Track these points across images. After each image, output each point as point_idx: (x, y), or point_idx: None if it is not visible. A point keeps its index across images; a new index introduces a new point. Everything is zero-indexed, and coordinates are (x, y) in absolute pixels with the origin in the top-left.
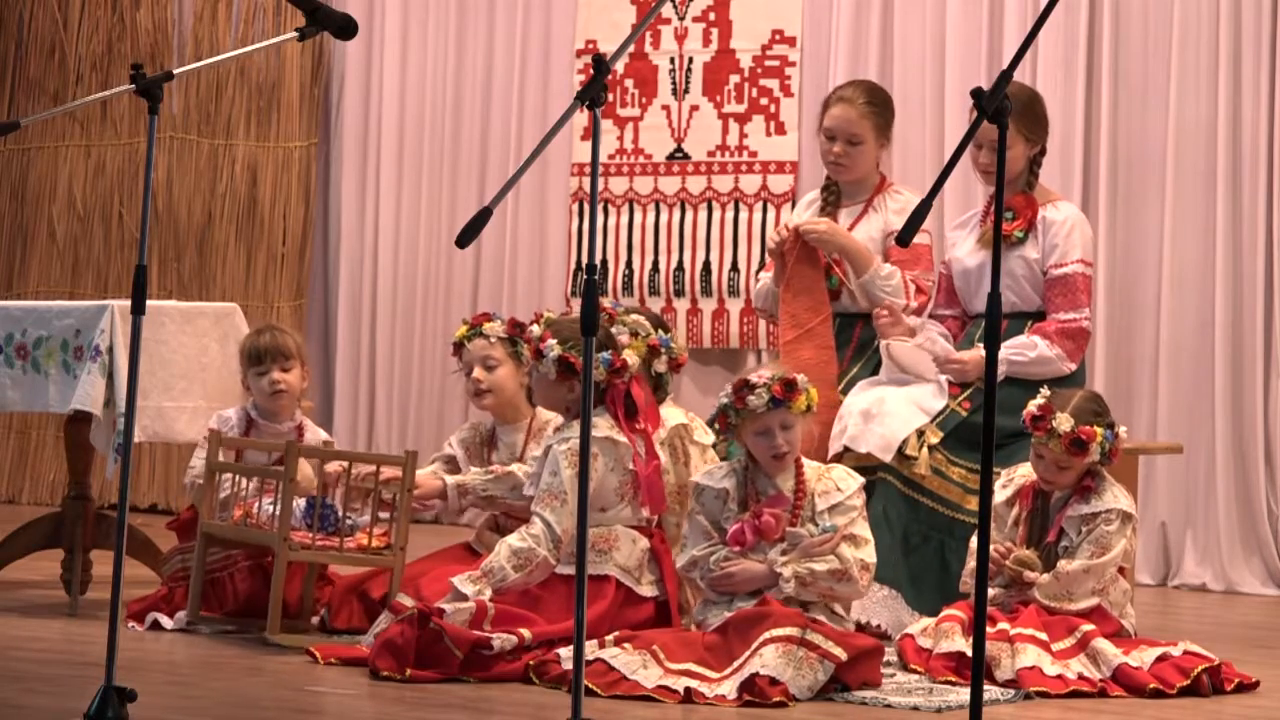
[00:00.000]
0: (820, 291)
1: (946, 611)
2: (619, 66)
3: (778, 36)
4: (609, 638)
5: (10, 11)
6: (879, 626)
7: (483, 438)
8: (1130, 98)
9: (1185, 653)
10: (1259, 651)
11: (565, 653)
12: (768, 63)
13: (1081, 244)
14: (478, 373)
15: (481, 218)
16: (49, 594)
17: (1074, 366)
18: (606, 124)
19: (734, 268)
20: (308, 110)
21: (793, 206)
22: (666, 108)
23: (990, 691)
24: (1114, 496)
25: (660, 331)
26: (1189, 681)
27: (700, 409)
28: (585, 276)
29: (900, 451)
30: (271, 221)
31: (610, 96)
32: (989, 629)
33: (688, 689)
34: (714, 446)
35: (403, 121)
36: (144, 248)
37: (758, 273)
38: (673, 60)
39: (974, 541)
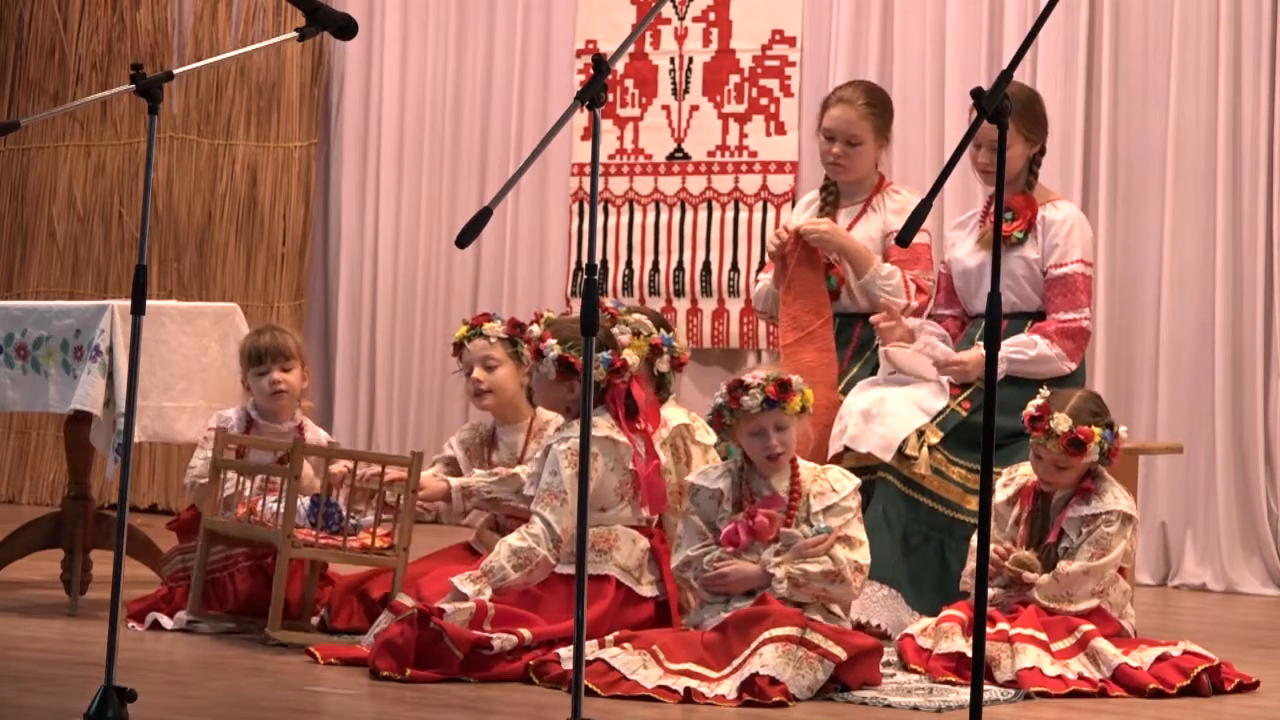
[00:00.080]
0: (821, 294)
1: (946, 612)
2: (619, 66)
3: (778, 36)
4: (609, 638)
5: (10, 11)
6: (879, 626)
7: (483, 438)
8: (1130, 98)
9: (1185, 653)
10: (1259, 651)
11: (565, 653)
12: (768, 63)
13: (1081, 244)
14: (478, 373)
15: (481, 218)
16: (49, 594)
17: (1074, 366)
18: (606, 124)
19: (734, 268)
20: (308, 110)
21: (792, 206)
22: (666, 108)
23: (990, 691)
24: (1114, 498)
25: (662, 331)
26: (1189, 681)
27: (700, 409)
28: (585, 276)
29: (900, 451)
30: (271, 221)
31: (610, 96)
32: (988, 629)
33: (688, 689)
34: (715, 447)
35: (403, 121)
36: (144, 248)
37: (757, 274)
38: (673, 60)
39: (974, 541)
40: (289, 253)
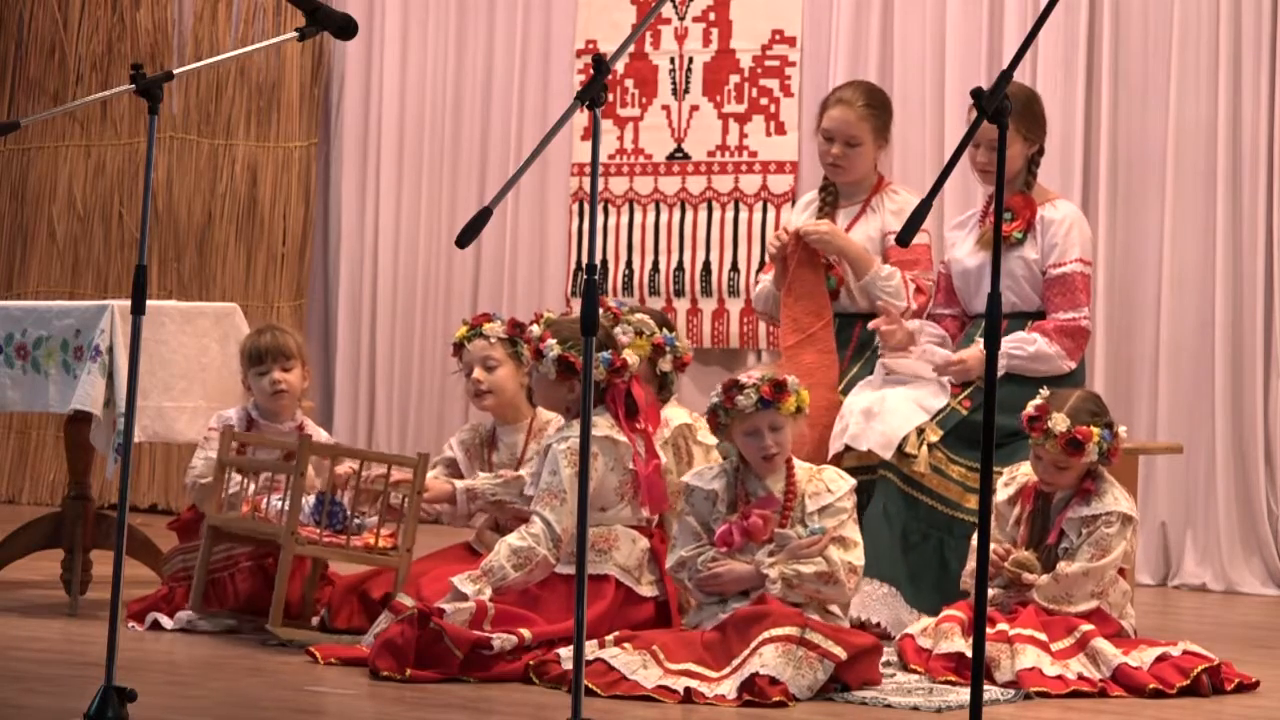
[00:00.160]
0: (822, 295)
1: (946, 612)
2: (619, 66)
3: (778, 36)
4: (609, 638)
5: (10, 11)
6: (878, 624)
7: (483, 438)
8: (1130, 98)
9: (1185, 653)
10: (1259, 651)
11: (565, 653)
12: (768, 63)
13: (1080, 243)
14: (478, 373)
15: (481, 218)
16: (49, 594)
17: (1073, 365)
18: (606, 124)
19: (734, 268)
20: (308, 110)
21: (792, 206)
22: (666, 108)
23: (990, 691)
24: (1114, 499)
25: (665, 330)
26: (1189, 681)
27: (700, 409)
28: (585, 276)
29: (900, 449)
30: (271, 221)
31: (610, 96)
32: (988, 630)
33: (687, 689)
34: (718, 447)
35: (403, 121)
36: (144, 248)
37: (757, 274)
38: (673, 60)
39: (974, 541)
40: (289, 253)
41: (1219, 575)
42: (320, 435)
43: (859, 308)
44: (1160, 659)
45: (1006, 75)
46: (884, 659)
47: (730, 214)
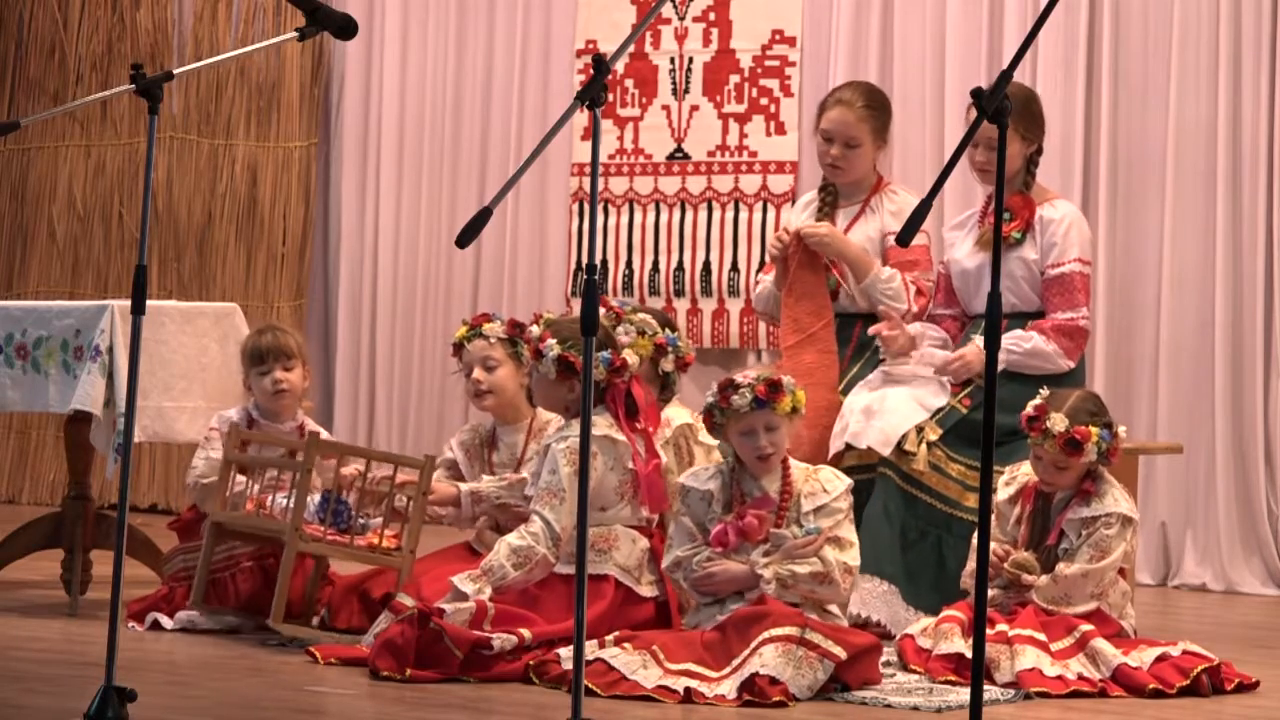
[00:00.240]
0: (822, 296)
1: (946, 612)
2: (619, 66)
3: (778, 36)
4: (609, 638)
5: (10, 11)
6: (878, 622)
7: (483, 439)
8: (1130, 98)
9: (1185, 653)
10: (1259, 651)
11: (565, 653)
12: (768, 63)
13: (1079, 243)
14: (478, 373)
15: (481, 218)
16: (49, 594)
17: (1072, 364)
18: (606, 124)
19: (734, 268)
20: (308, 110)
21: (792, 206)
22: (666, 108)
23: (990, 691)
24: (1114, 500)
25: (668, 330)
26: (1189, 681)
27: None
28: (585, 276)
29: (899, 447)
30: (271, 221)
31: (610, 96)
32: (987, 631)
33: (687, 689)
34: (719, 447)
35: (403, 121)
36: (144, 248)
37: (758, 274)
38: (673, 60)
39: (974, 540)
40: (289, 253)
41: (1219, 575)
42: (322, 435)
43: (859, 308)
44: (1160, 659)
45: (1006, 75)
46: (884, 659)
47: (730, 214)
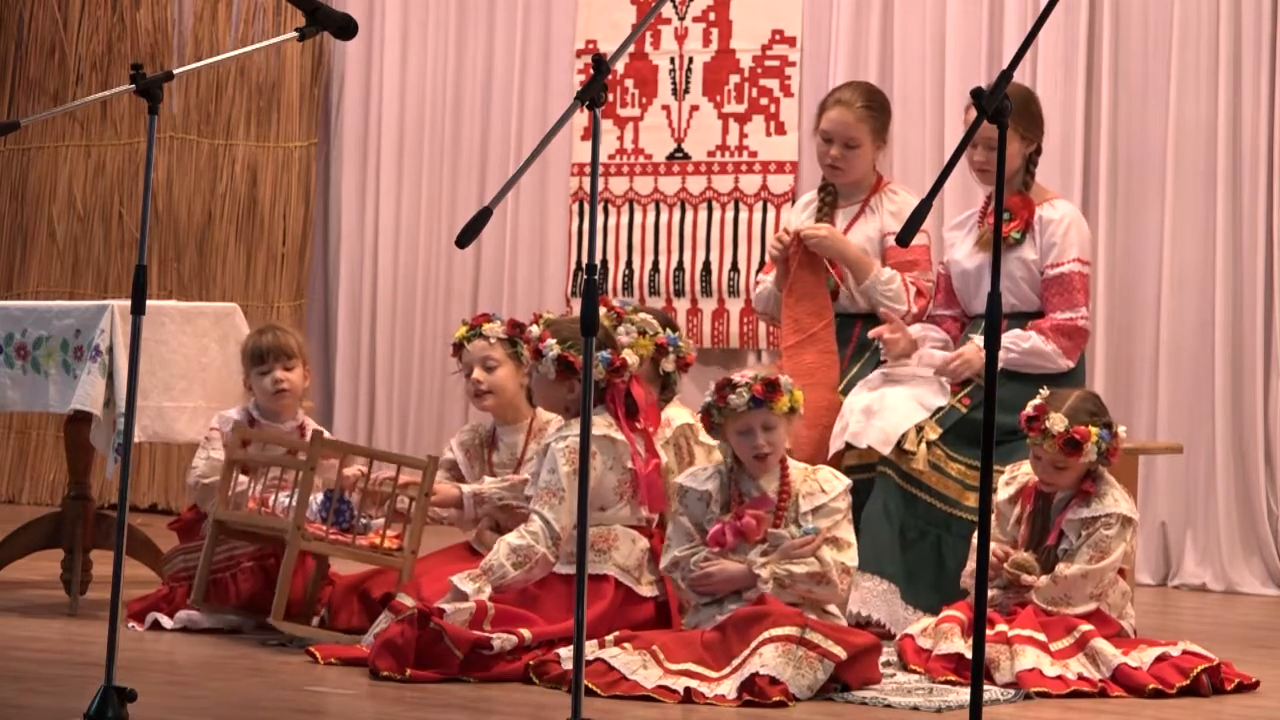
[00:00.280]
0: (823, 296)
1: (946, 613)
2: (619, 66)
3: (778, 36)
4: (609, 638)
5: (10, 11)
6: (878, 621)
7: (483, 439)
8: (1130, 98)
9: (1185, 653)
10: (1259, 651)
11: (565, 653)
12: (768, 63)
13: (1078, 242)
14: (478, 374)
15: (481, 218)
16: (49, 594)
17: (1071, 364)
18: (606, 124)
19: (734, 268)
20: (308, 110)
21: (792, 206)
22: (666, 108)
23: (990, 691)
24: (1114, 500)
25: (669, 331)
26: (1188, 681)
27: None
28: (585, 276)
29: (899, 446)
30: (271, 221)
31: (610, 96)
32: (987, 631)
33: (687, 689)
34: (719, 448)
35: (403, 121)
36: (144, 248)
37: (758, 274)
38: (673, 60)
39: (974, 540)
40: (289, 253)
41: (1219, 575)
42: (324, 435)
43: (859, 308)
44: (1160, 659)
45: (1006, 75)
46: (884, 659)
47: (730, 214)
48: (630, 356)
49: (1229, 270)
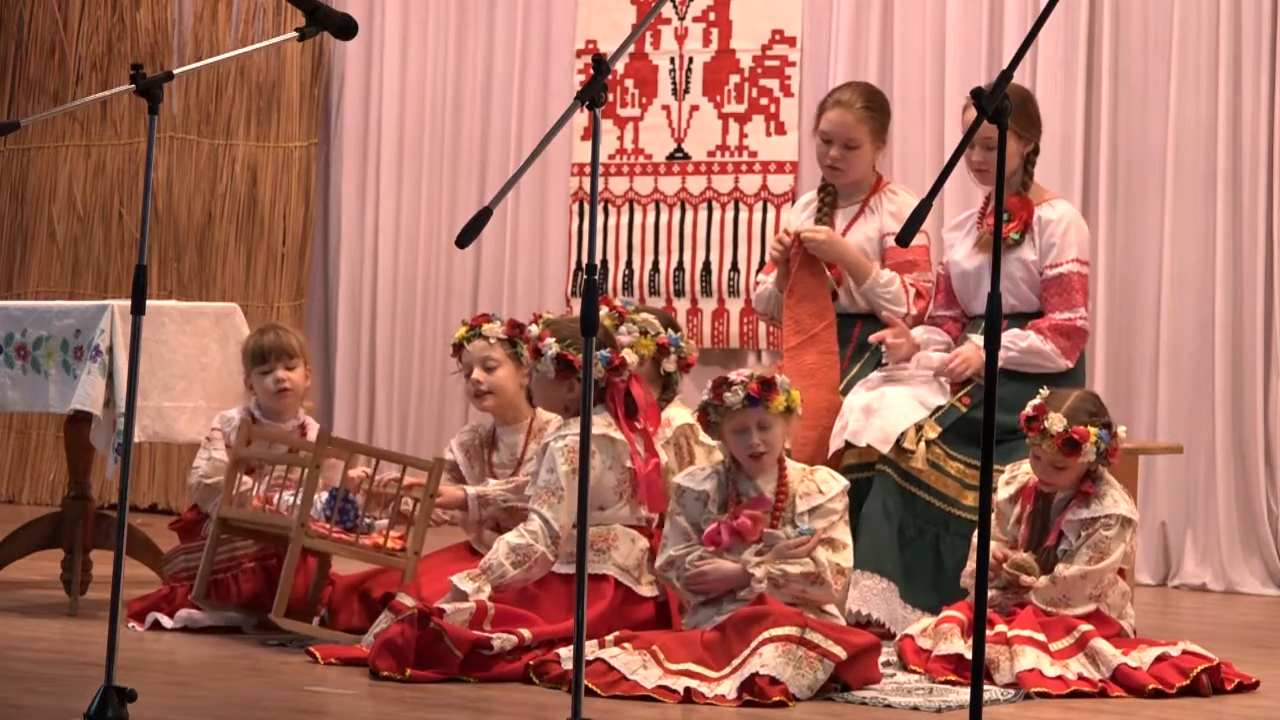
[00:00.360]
0: (824, 297)
1: (946, 613)
2: (619, 66)
3: (778, 36)
4: (609, 638)
5: (10, 11)
6: (877, 619)
7: (483, 439)
8: (1130, 98)
9: (1184, 653)
10: (1259, 651)
11: (565, 653)
12: (768, 63)
13: (1077, 243)
14: (477, 374)
15: (481, 218)
16: (49, 594)
17: (1070, 364)
18: (606, 124)
19: (734, 268)
20: (308, 110)
21: (792, 206)
22: (666, 108)
23: (990, 691)
24: (1114, 501)
25: (670, 330)
26: (1188, 681)
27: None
28: (585, 276)
29: (898, 445)
30: (271, 221)
31: (610, 96)
32: (986, 631)
33: (687, 689)
34: (719, 447)
35: (403, 121)
36: (144, 248)
37: (758, 275)
38: (673, 60)
39: (974, 540)
40: (289, 253)
41: (1219, 575)
42: None
43: (859, 308)
44: (1160, 659)
45: (1006, 75)
46: (884, 659)
47: (730, 214)
48: (629, 356)
49: (1229, 270)
